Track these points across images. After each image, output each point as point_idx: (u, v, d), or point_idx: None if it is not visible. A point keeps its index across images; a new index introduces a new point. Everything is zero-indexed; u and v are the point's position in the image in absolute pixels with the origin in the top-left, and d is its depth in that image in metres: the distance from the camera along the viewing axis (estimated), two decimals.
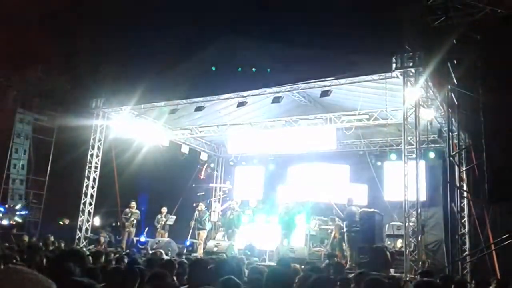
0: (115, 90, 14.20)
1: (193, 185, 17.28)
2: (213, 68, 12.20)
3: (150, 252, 10.67)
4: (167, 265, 5.13)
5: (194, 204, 14.83)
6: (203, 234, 14.03)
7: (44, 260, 5.88)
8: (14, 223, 17.35)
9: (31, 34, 16.34)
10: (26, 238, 14.06)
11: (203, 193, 16.81)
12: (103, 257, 6.94)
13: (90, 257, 6.47)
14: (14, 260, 5.55)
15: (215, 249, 12.36)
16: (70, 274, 3.44)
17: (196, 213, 14.15)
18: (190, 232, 14.29)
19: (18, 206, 17.98)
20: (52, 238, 13.65)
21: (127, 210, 14.66)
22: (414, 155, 9.92)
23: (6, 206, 17.63)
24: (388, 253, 10.78)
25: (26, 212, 18.18)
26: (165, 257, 7.20)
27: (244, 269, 5.11)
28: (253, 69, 11.84)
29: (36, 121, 19.74)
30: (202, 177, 17.82)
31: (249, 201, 15.15)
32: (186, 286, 4.18)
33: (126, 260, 6.55)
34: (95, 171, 13.98)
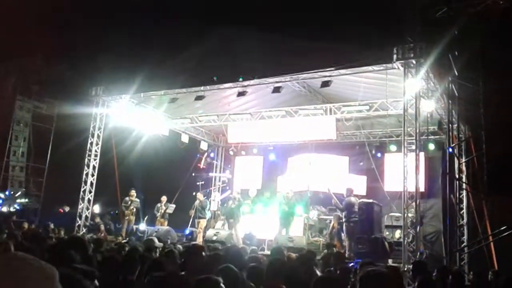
0: (115, 78, 14.16)
1: (193, 174, 17.31)
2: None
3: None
4: (168, 253, 5.17)
5: (194, 193, 14.87)
6: (203, 222, 14.08)
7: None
8: (13, 210, 17.42)
9: (31, 22, 16.25)
10: (25, 225, 14.13)
11: (203, 182, 16.84)
12: (103, 245, 6.99)
13: (92, 244, 6.52)
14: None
15: (214, 237, 12.43)
16: (71, 261, 3.47)
17: (197, 202, 14.18)
18: (190, 221, 14.34)
19: (17, 193, 18.04)
20: (52, 226, 13.74)
21: (127, 198, 14.70)
22: (413, 147, 9.94)
23: (6, 193, 17.68)
24: (386, 243, 10.83)
25: (26, 199, 18.24)
26: (158, 244, 7.22)
27: (245, 258, 5.14)
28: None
29: (36, 109, 19.76)
30: (201, 166, 17.85)
31: (248, 191, 15.16)
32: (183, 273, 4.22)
33: (126, 248, 6.59)
34: (95, 159, 13.99)
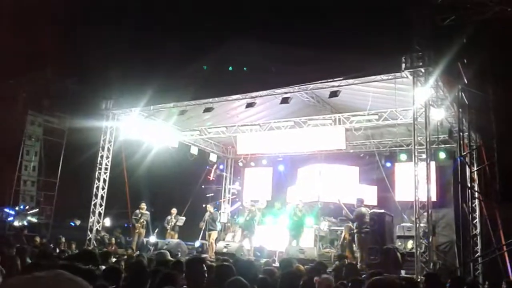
0: (125, 91, 14.28)
1: (203, 186, 17.32)
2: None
3: (155, 253, 10.67)
4: (177, 266, 5.14)
5: (204, 205, 14.85)
6: (214, 234, 14.02)
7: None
8: (25, 224, 17.52)
9: (41, 36, 16.48)
10: (37, 239, 14.17)
11: (212, 194, 16.84)
12: (112, 258, 6.98)
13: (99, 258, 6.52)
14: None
15: (224, 250, 12.36)
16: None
17: (207, 214, 14.14)
18: (201, 234, 14.30)
19: (31, 211, 18.17)
20: (63, 239, 13.78)
21: (137, 211, 14.71)
22: (424, 156, 9.85)
23: (17, 208, 17.81)
24: (398, 254, 10.69)
25: (37, 211, 18.35)
26: (169, 258, 7.19)
27: (255, 270, 5.10)
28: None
29: (47, 123, 19.93)
30: (211, 178, 17.85)
31: (258, 202, 15.11)
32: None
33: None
34: (105, 173, 14.05)
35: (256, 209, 14.00)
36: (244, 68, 11.80)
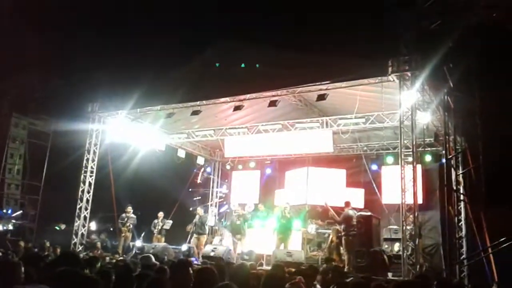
0: (111, 94, 14.17)
1: (190, 190, 17.22)
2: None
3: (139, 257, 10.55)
4: (160, 270, 5.08)
5: (191, 209, 14.74)
6: (203, 238, 13.95)
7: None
8: (10, 228, 17.24)
9: (26, 39, 16.29)
10: (22, 244, 13.94)
11: (200, 197, 16.76)
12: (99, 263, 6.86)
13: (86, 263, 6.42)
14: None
15: (212, 253, 12.29)
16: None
17: (197, 217, 14.06)
18: (189, 237, 14.21)
19: (15, 214, 17.90)
20: (48, 244, 13.57)
21: (124, 215, 14.59)
22: (410, 159, 9.92)
23: (2, 211, 17.54)
24: (385, 256, 10.74)
25: (21, 213, 18.09)
26: (154, 261, 7.11)
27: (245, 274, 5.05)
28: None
29: (32, 126, 19.68)
30: (198, 181, 17.77)
31: (245, 206, 15.09)
32: None
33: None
34: (91, 176, 13.90)
35: (247, 213, 13.97)
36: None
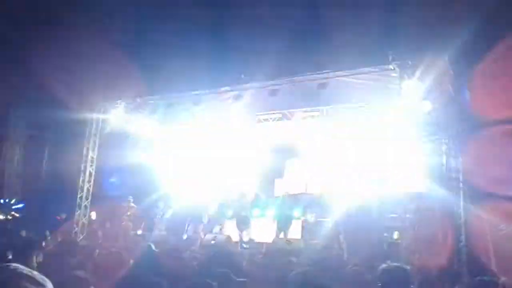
0: (112, 84, 14.12)
1: None
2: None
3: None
4: None
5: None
6: (201, 226, 14.00)
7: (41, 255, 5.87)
8: (10, 218, 17.29)
9: (29, 26, 16.23)
10: (23, 234, 13.99)
11: None
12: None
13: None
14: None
15: (212, 242, 12.34)
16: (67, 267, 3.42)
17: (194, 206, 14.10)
18: (187, 226, 14.26)
19: (13, 201, 17.93)
20: (47, 233, 13.61)
21: (124, 204, 14.63)
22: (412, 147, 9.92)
23: (1, 200, 17.57)
24: (385, 244, 10.79)
25: (22, 206, 18.12)
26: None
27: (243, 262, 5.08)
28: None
29: (32, 116, 19.65)
30: None
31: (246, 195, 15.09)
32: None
33: None
34: (91, 165, 13.91)
35: (249, 202, 13.92)
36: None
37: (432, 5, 10.22)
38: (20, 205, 18.26)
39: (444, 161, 10.56)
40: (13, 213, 17.58)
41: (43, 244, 10.60)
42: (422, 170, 12.09)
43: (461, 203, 11.96)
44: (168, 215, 14.89)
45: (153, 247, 7.37)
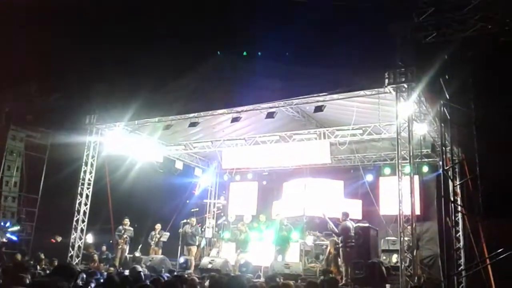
0: (109, 106, 14.17)
1: (187, 201, 17.18)
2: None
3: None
4: (154, 281, 5.05)
5: (184, 221, 14.61)
6: (194, 249, 13.89)
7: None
8: (5, 241, 17.12)
9: (23, 51, 16.33)
10: (19, 257, 13.85)
11: (197, 209, 16.71)
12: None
13: (85, 275, 6.41)
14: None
15: (209, 265, 12.24)
16: None
17: (187, 226, 14.02)
18: (179, 248, 14.16)
19: (8, 224, 17.78)
20: (42, 256, 13.48)
21: (120, 227, 14.54)
22: (408, 170, 9.95)
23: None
24: (383, 268, 10.73)
25: (18, 230, 17.96)
26: (141, 269, 7.07)
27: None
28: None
29: (29, 138, 19.64)
30: (196, 193, 17.74)
31: (243, 217, 15.02)
32: None
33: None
34: (88, 188, 13.87)
35: (246, 226, 13.82)
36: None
37: (425, 30, 10.37)
38: (16, 228, 18.10)
39: (441, 183, 10.57)
40: (8, 235, 17.42)
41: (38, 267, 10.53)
42: (419, 192, 12.14)
43: (460, 225, 11.97)
44: (164, 238, 14.79)
45: (139, 268, 7.31)
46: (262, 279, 10.94)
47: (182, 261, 13.77)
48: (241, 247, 13.26)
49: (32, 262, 13.32)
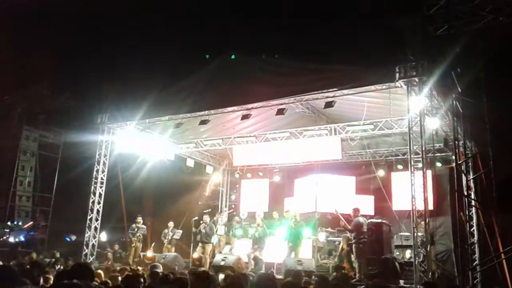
0: (120, 105, 14.27)
1: (199, 203, 17.22)
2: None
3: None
4: (177, 281, 5.06)
5: (196, 218, 14.61)
6: (209, 247, 13.85)
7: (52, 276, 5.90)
8: (21, 240, 17.37)
9: (36, 51, 16.50)
10: (34, 256, 14.04)
11: (210, 210, 16.74)
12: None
13: (102, 273, 6.48)
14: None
15: (222, 263, 12.27)
16: None
17: (202, 225, 14.03)
18: (192, 246, 14.18)
19: (24, 223, 18.03)
20: (58, 255, 13.65)
21: (134, 225, 14.63)
22: (420, 164, 9.85)
23: (13, 223, 17.65)
24: (397, 264, 10.67)
25: (33, 229, 18.21)
26: (160, 270, 7.05)
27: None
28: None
29: (42, 138, 19.87)
30: (207, 190, 17.78)
31: (255, 214, 14.99)
32: None
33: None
34: (101, 187, 13.98)
35: (262, 222, 13.72)
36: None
37: (436, 23, 10.26)
38: (30, 223, 18.35)
39: (454, 178, 10.46)
40: (26, 232, 17.67)
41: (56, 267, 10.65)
42: (432, 187, 12.02)
43: (474, 220, 11.84)
44: (177, 236, 14.85)
45: (159, 266, 7.33)
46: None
47: (196, 256, 13.75)
48: (257, 243, 13.11)
49: (48, 260, 13.52)
